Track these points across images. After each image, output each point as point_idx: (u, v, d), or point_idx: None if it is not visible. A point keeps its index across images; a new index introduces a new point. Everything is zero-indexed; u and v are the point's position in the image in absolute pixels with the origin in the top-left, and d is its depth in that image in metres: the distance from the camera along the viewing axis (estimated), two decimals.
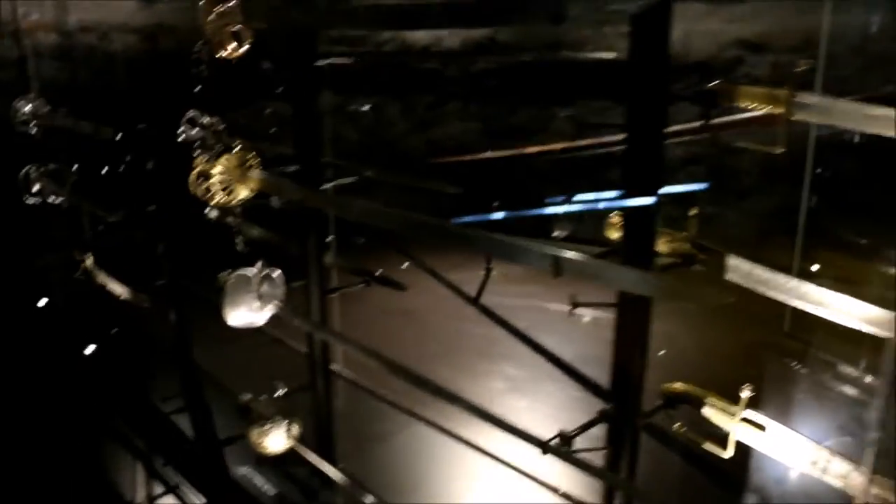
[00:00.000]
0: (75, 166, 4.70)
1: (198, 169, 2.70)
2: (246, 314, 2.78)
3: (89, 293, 4.44)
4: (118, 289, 4.09)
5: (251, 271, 2.78)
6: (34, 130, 4.55)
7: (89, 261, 4.31)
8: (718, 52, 8.17)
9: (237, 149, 2.70)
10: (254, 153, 2.74)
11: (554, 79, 8.46)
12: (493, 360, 4.53)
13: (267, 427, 2.82)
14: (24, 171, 4.63)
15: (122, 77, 4.48)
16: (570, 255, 1.94)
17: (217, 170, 2.67)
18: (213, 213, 4.12)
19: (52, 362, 4.53)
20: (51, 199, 4.65)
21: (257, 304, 2.78)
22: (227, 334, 4.39)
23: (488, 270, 5.34)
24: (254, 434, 2.84)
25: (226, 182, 2.68)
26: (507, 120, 9.00)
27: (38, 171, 4.66)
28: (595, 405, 3.60)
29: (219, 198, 2.70)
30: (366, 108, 8.40)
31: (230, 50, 2.47)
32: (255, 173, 2.71)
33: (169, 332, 4.19)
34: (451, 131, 9.20)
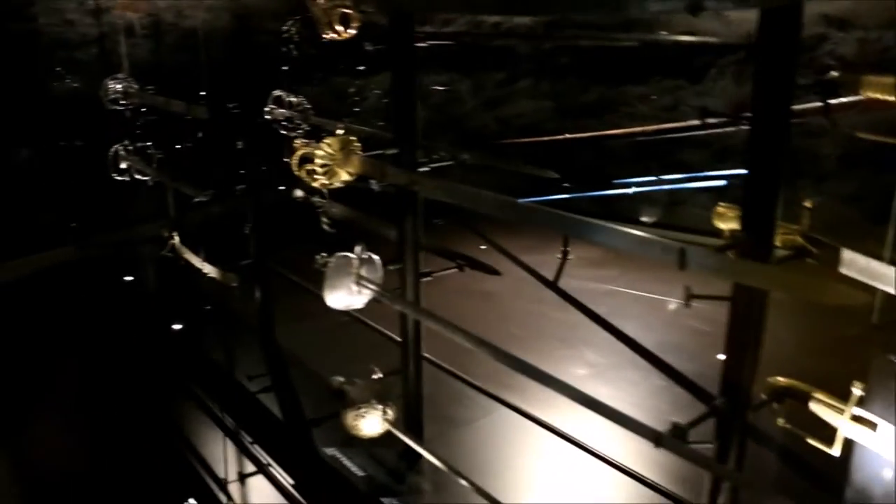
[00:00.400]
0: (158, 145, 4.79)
1: (300, 152, 2.69)
2: (345, 297, 2.78)
3: (176, 270, 4.52)
4: (205, 267, 4.15)
5: (352, 255, 2.78)
6: (124, 109, 4.63)
7: (176, 238, 4.37)
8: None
9: (340, 132, 2.67)
10: (355, 137, 2.71)
11: (626, 58, 8.28)
12: (573, 345, 4.48)
13: (363, 410, 2.82)
14: (112, 149, 4.72)
15: (206, 55, 4.50)
16: (694, 248, 1.88)
17: (320, 153, 2.65)
18: (299, 193, 4.16)
19: (139, 338, 4.64)
20: (137, 176, 4.74)
21: (356, 287, 2.77)
22: (304, 313, 4.48)
23: (565, 253, 5.29)
24: (349, 417, 2.85)
25: (328, 165, 2.66)
26: (578, 98, 8.85)
27: (126, 149, 4.75)
28: (679, 395, 3.55)
29: (321, 180, 2.69)
30: (442, 87, 8.35)
31: (338, 32, 2.44)
32: (357, 156, 2.69)
33: (253, 311, 4.26)
34: (522, 109, 9.09)
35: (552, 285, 5.15)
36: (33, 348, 4.61)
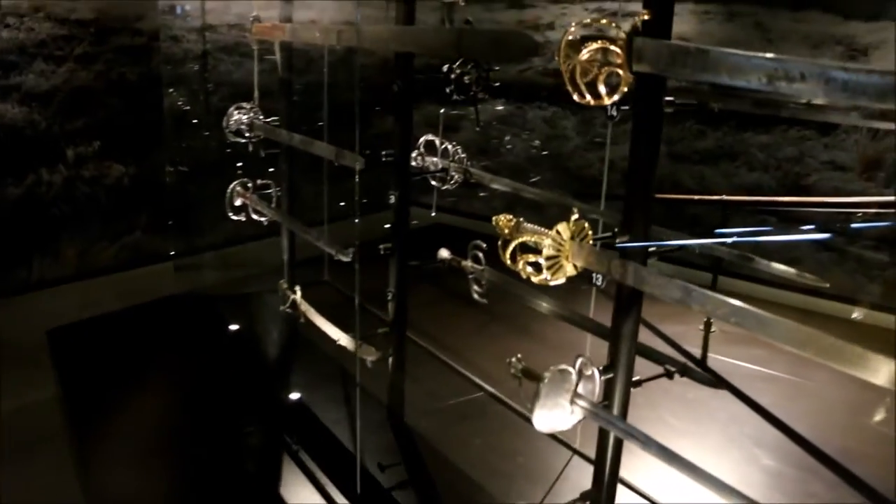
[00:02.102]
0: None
1: (520, 239, 2.16)
2: (556, 419, 2.24)
3: (293, 328, 4.05)
4: (334, 333, 3.65)
5: (571, 368, 2.23)
6: (247, 142, 4.20)
7: (298, 294, 3.89)
8: None
9: (574, 218, 2.14)
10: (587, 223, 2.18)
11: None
12: (741, 443, 3.86)
13: None
14: (231, 186, 4.28)
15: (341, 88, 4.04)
16: None
17: (548, 242, 2.12)
18: (445, 255, 3.65)
19: (246, 401, 4.15)
20: (255, 216, 4.29)
21: (570, 407, 2.23)
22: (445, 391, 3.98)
23: (708, 325, 4.69)
24: None
25: (556, 258, 2.13)
26: (693, 143, 8.25)
27: (244, 186, 4.31)
28: None
29: (543, 277, 2.16)
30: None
31: (600, 96, 1.92)
32: (588, 248, 2.16)
33: (382, 384, 3.76)
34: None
35: (700, 364, 4.56)
36: (120, 398, 4.18)
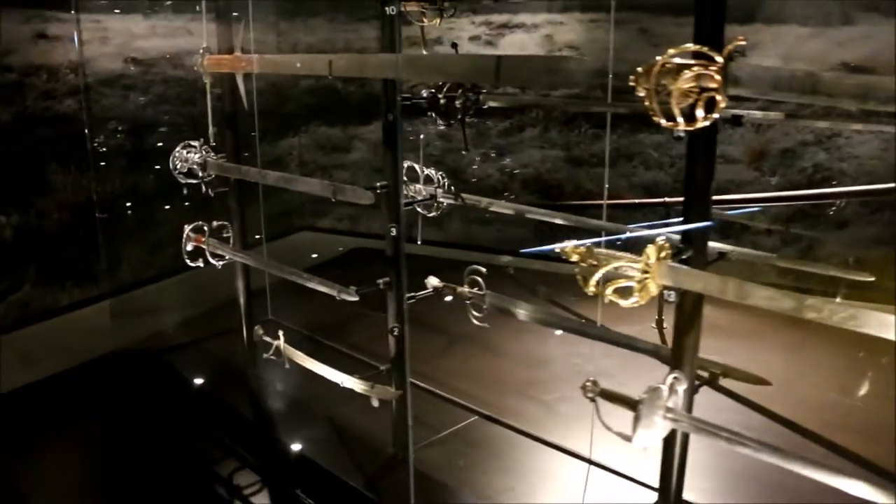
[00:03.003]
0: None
1: (606, 267, 2.13)
2: (651, 434, 2.23)
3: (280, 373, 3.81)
4: (333, 375, 3.46)
5: (663, 385, 2.23)
6: (199, 181, 3.93)
7: (281, 339, 3.68)
8: None
9: (660, 240, 2.14)
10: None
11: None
12: None
13: None
14: (185, 231, 3.99)
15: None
16: None
17: (637, 266, 2.11)
18: (435, 283, 3.56)
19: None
20: (212, 261, 4.01)
21: (662, 422, 2.23)
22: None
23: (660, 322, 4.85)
24: None
25: (644, 281, 2.12)
26: (590, 147, 8.54)
27: (198, 230, 4.03)
28: None
29: (630, 302, 2.14)
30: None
31: (693, 119, 1.92)
32: (670, 265, 2.16)
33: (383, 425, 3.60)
34: (528, 158, 8.69)
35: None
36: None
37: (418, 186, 3.55)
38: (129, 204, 6.33)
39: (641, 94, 1.99)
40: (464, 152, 3.65)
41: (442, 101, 3.21)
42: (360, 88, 9.04)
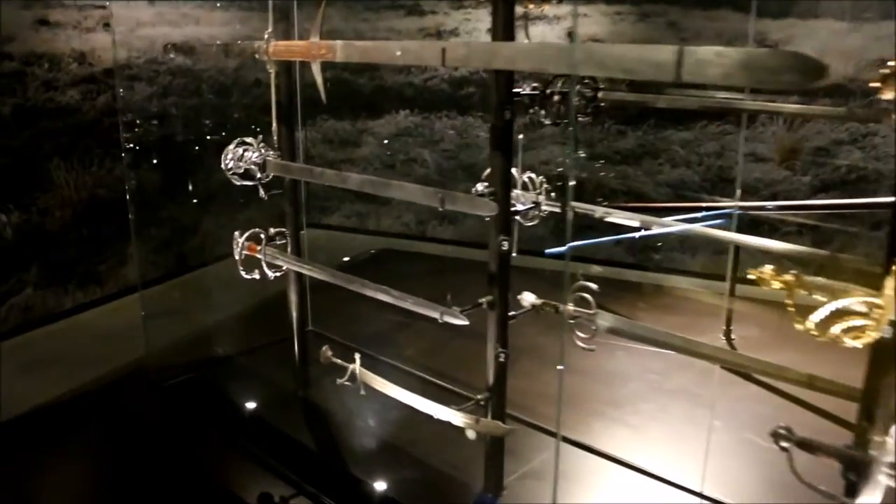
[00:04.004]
0: None
1: (838, 303, 1.79)
2: (870, 495, 1.91)
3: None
4: (424, 405, 3.08)
5: (889, 438, 1.90)
6: (256, 184, 3.52)
7: (357, 362, 3.28)
8: (856, 74, 7.62)
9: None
10: None
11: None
12: None
13: None
14: (240, 239, 3.58)
15: None
16: None
17: (878, 302, 1.77)
18: (532, 300, 3.21)
19: None
20: (268, 272, 3.61)
21: (884, 479, 1.91)
22: None
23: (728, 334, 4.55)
24: None
25: (877, 317, 1.79)
26: (613, 144, 8.24)
27: (253, 238, 3.62)
28: None
29: (870, 338, 1.80)
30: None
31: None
32: None
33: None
34: (549, 155, 8.35)
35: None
36: None
37: (516, 192, 3.19)
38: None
39: (888, 96, 1.66)
40: (575, 156, 3.29)
41: (555, 98, 2.84)
42: (370, 81, 8.65)
